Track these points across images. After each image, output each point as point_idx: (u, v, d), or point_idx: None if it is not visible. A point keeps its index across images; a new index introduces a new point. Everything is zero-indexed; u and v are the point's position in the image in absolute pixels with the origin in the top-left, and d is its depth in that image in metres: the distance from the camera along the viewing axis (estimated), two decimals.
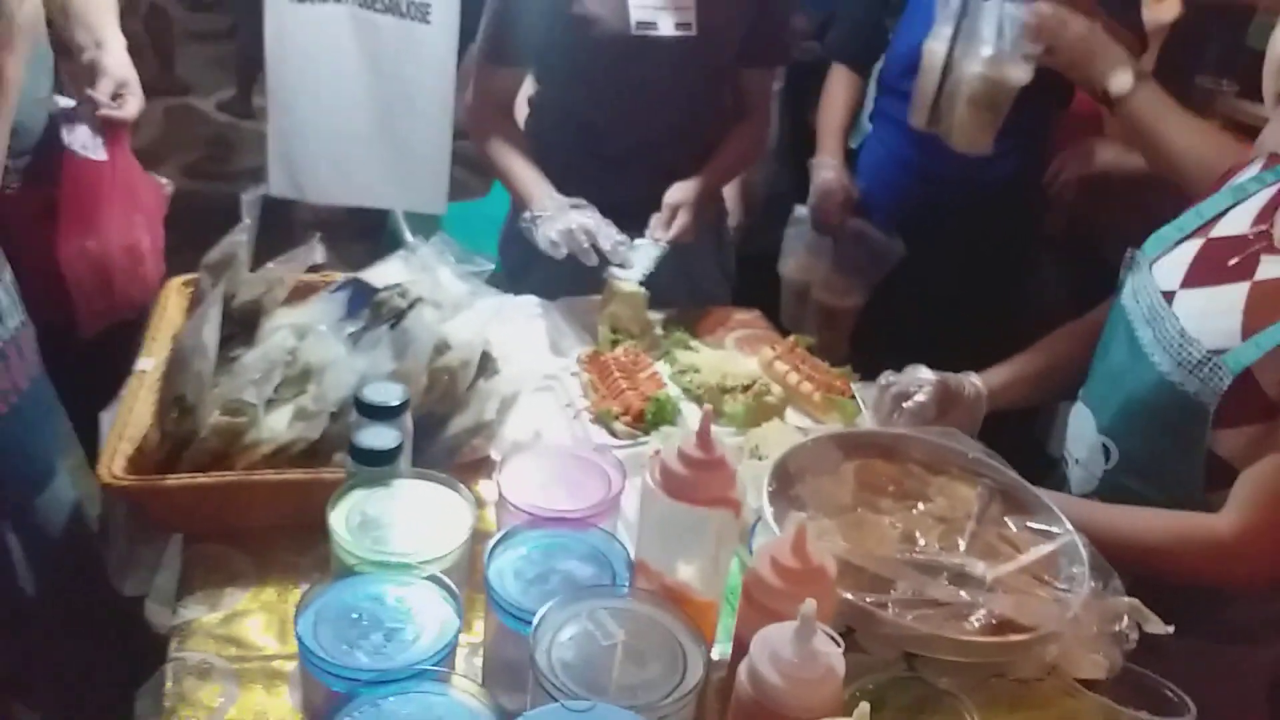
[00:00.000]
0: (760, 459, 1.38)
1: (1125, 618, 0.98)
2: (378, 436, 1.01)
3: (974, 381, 1.41)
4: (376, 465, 1.00)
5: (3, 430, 1.31)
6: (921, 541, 1.04)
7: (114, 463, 1.19)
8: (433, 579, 0.87)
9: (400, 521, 0.95)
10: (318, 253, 1.51)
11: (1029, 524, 1.09)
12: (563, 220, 1.68)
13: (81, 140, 1.71)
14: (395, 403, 1.08)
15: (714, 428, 1.49)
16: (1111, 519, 1.17)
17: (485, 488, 1.28)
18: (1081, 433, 1.32)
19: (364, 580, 0.86)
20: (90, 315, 1.79)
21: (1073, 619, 0.95)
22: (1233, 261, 1.16)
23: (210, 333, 1.25)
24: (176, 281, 1.59)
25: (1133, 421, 1.22)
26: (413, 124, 2.71)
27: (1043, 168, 2.25)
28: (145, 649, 1.18)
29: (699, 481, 0.91)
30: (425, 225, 2.81)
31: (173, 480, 1.18)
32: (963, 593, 0.95)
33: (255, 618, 1.13)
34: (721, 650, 1.05)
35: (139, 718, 1.70)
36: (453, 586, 0.86)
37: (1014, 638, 0.93)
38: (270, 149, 2.66)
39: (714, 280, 2.04)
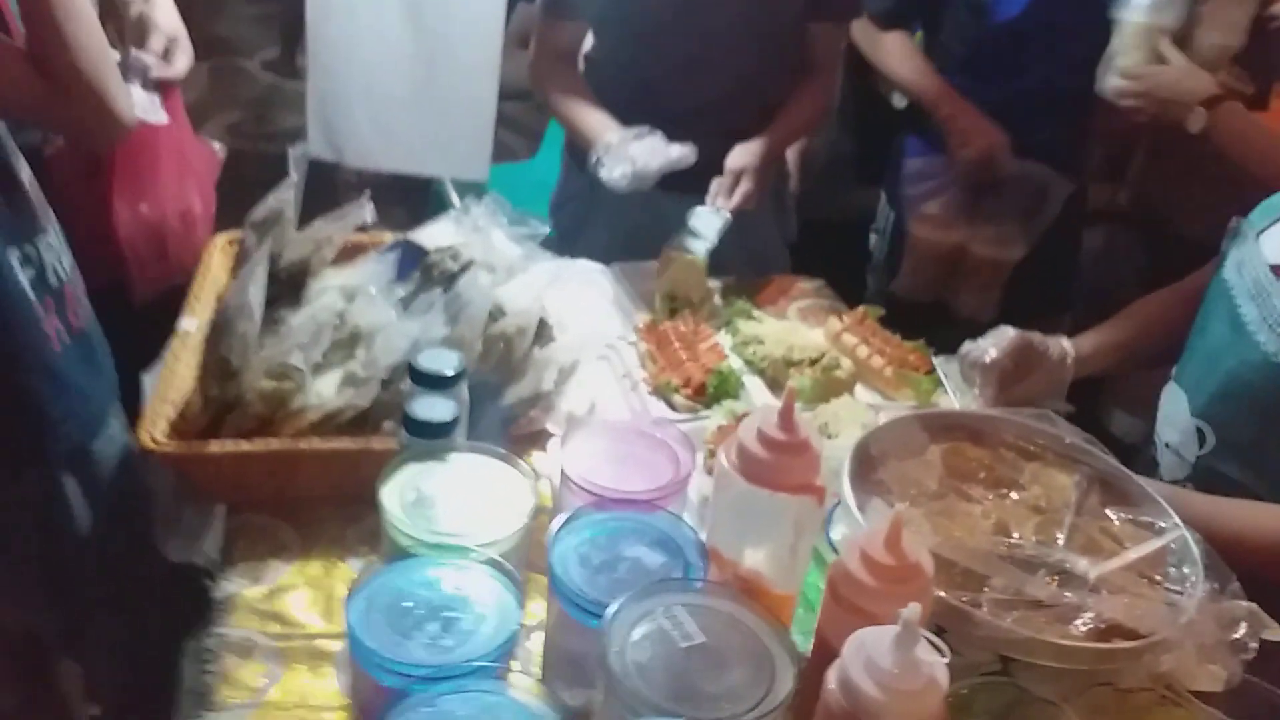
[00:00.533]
0: (830, 437, 1.30)
1: (1244, 624, 0.89)
2: (434, 408, 0.95)
3: (1062, 343, 1.31)
4: (432, 438, 0.94)
5: (62, 366, 1.27)
6: (1016, 534, 0.96)
7: (156, 426, 1.14)
8: (492, 564, 0.80)
9: (457, 499, 0.88)
10: (367, 211, 1.45)
11: (1132, 517, 1.00)
12: (627, 153, 1.59)
13: (141, 104, 1.65)
14: (451, 371, 1.01)
15: (780, 404, 1.43)
16: (1216, 512, 1.08)
17: (540, 460, 1.22)
18: (1173, 415, 1.22)
19: (418, 564, 0.80)
20: (144, 281, 1.75)
21: (1188, 624, 0.86)
22: None
23: (256, 293, 1.19)
24: (221, 239, 1.53)
25: (1231, 404, 1.13)
26: (456, 86, 2.62)
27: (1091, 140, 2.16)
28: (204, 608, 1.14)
29: (780, 465, 0.84)
30: (472, 187, 2.75)
31: (216, 447, 1.13)
32: (1067, 593, 0.86)
33: (300, 593, 1.08)
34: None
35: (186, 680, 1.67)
36: (514, 573, 0.80)
37: (1123, 644, 0.84)
38: (309, 110, 2.60)
39: (774, 247, 1.95)
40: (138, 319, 1.58)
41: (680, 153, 1.58)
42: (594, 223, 1.80)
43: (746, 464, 0.85)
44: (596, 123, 1.68)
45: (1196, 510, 1.05)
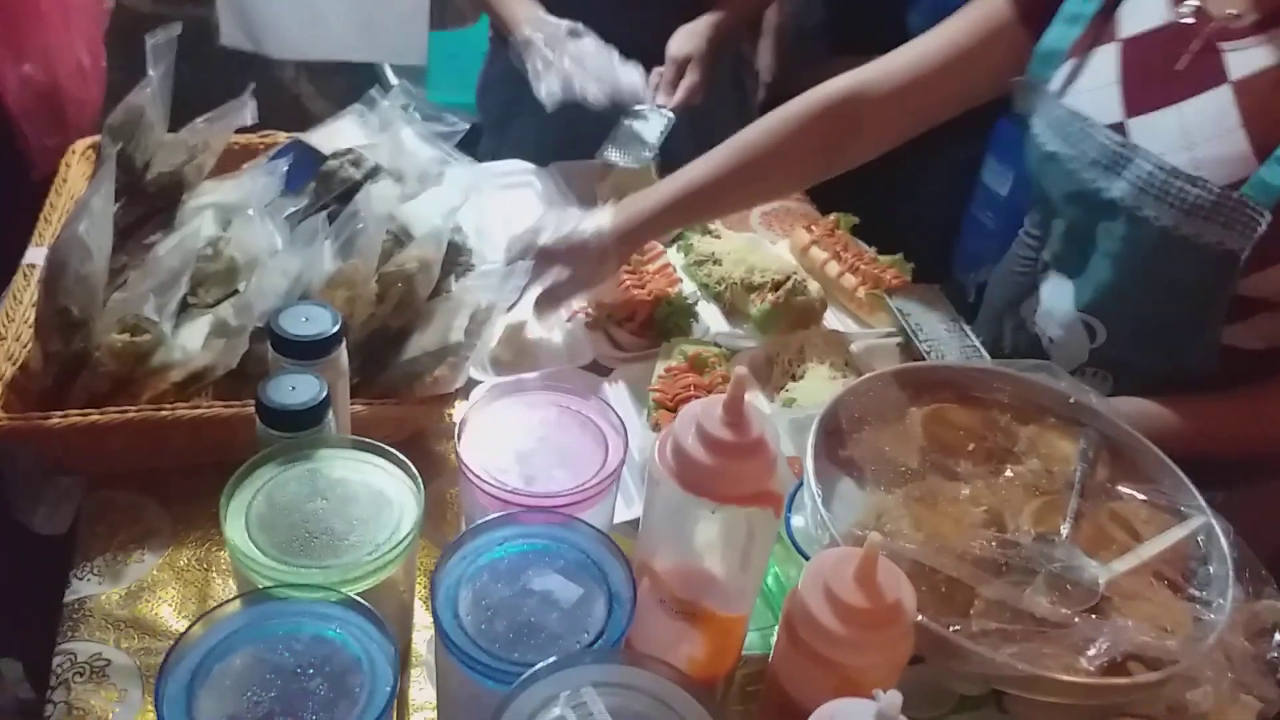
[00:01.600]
0: (795, 378, 1.13)
1: (1278, 634, 0.75)
2: (294, 389, 0.76)
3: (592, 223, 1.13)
4: (292, 429, 0.75)
5: None
6: (1012, 526, 0.80)
7: None
8: (354, 606, 0.63)
9: (321, 515, 0.70)
10: (249, 111, 1.22)
11: (1148, 497, 0.84)
12: (563, 68, 1.36)
13: None
14: (325, 334, 0.81)
15: (738, 334, 1.25)
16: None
17: (460, 414, 1.05)
18: (1053, 309, 1.08)
19: (261, 612, 0.63)
20: (44, 151, 1.53)
21: (1217, 644, 0.72)
22: (1181, 65, 0.92)
23: (94, 226, 0.97)
24: (81, 144, 1.29)
25: (1129, 292, 0.99)
26: None
27: None
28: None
29: (727, 472, 0.66)
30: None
31: (58, 420, 0.93)
32: (1076, 617, 0.71)
33: (168, 593, 0.91)
34: (749, 645, 0.84)
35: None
36: (384, 622, 0.63)
37: (1142, 678, 0.70)
38: None
39: None
40: (37, 193, 1.35)
41: (628, 83, 1.35)
42: (526, 109, 1.56)
43: (684, 469, 0.67)
44: (515, 4, 1.43)
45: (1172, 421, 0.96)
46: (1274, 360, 0.97)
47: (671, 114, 1.37)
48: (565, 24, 1.40)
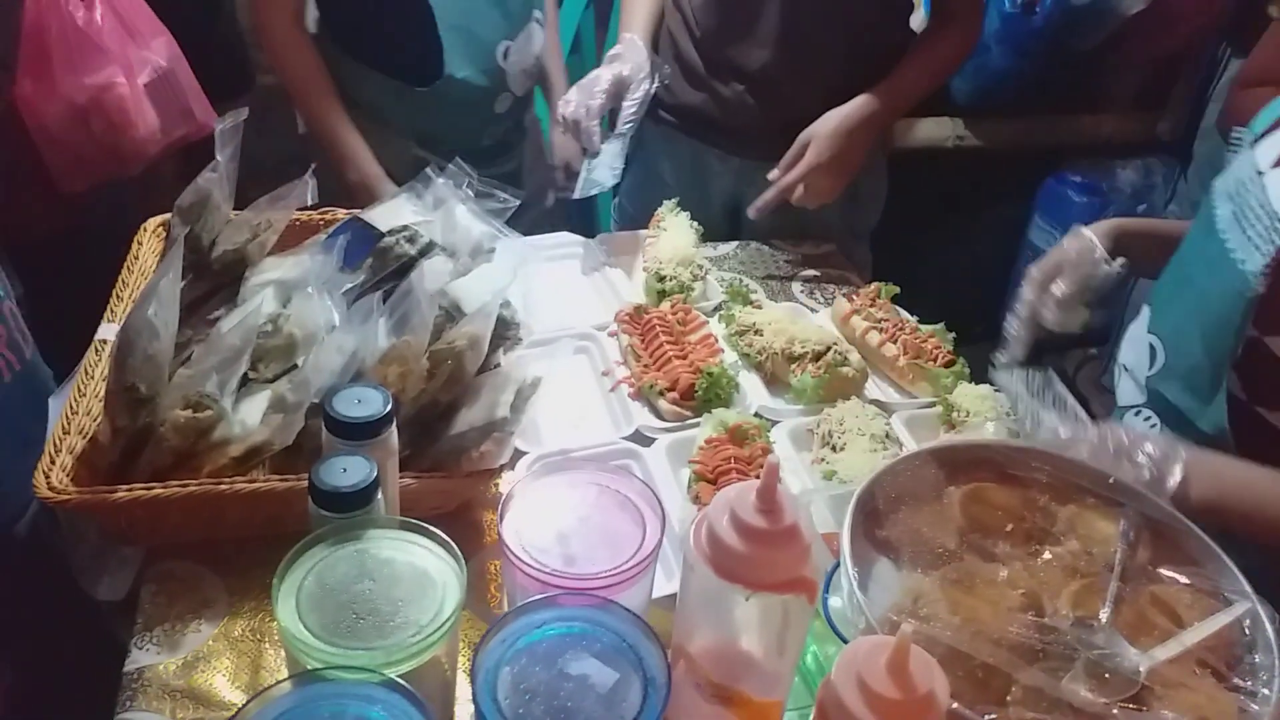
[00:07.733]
0: (834, 448, 1.14)
1: None
2: (345, 471, 0.79)
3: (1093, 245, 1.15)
4: (343, 510, 0.78)
5: None
6: (1050, 610, 0.80)
7: (56, 466, 0.99)
8: (396, 688, 0.65)
9: (368, 596, 0.73)
10: (309, 190, 1.27)
11: (1191, 581, 0.83)
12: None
13: None
14: (376, 416, 0.85)
15: (779, 404, 1.26)
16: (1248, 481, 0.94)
17: (508, 484, 1.07)
18: (1134, 332, 1.12)
19: (314, 693, 0.65)
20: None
21: None
22: None
23: (162, 308, 1.02)
24: (153, 223, 1.36)
25: (1191, 316, 1.01)
26: None
27: None
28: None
29: (761, 560, 0.68)
30: None
31: (123, 493, 0.98)
32: (1116, 709, 0.71)
33: (223, 662, 0.94)
34: None
35: None
36: (425, 704, 0.65)
37: None
38: None
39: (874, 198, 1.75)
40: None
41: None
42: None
43: (719, 555, 0.69)
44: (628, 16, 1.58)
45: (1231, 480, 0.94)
46: None
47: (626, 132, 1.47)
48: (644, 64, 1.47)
